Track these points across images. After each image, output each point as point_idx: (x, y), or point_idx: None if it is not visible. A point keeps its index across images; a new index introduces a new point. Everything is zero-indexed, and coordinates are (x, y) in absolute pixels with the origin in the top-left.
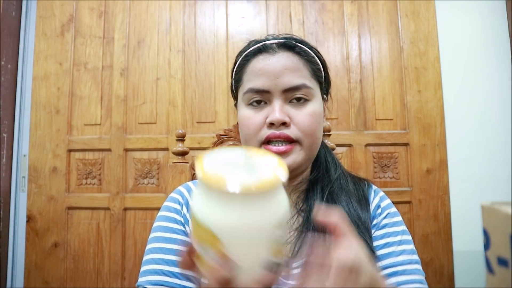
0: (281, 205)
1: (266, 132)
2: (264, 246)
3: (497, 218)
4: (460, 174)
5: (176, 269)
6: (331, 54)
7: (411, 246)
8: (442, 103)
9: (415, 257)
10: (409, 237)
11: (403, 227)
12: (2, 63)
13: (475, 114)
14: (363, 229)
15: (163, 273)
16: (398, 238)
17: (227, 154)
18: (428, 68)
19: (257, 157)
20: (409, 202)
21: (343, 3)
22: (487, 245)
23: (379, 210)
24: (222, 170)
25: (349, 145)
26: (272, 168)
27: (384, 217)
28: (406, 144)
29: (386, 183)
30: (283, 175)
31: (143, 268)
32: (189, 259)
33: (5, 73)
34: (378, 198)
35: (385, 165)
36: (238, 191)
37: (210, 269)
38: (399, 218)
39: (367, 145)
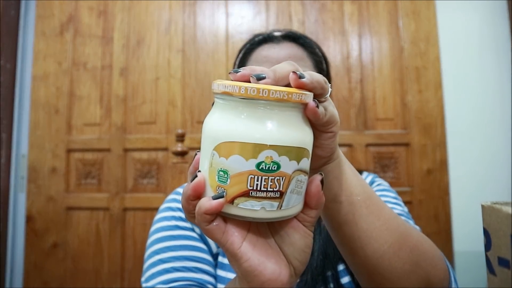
0: (231, 125)
1: None
2: (204, 162)
3: (498, 218)
4: (460, 174)
5: (190, 263)
6: (332, 54)
7: (405, 209)
8: (442, 103)
9: (409, 216)
10: (404, 206)
11: (395, 195)
12: (1, 62)
13: (476, 114)
14: None
15: (175, 269)
16: (388, 199)
17: None
18: (428, 67)
19: None
20: (409, 203)
21: (343, 2)
22: (487, 246)
23: (372, 184)
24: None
25: (350, 145)
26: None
27: (376, 186)
28: (406, 144)
29: None
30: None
31: (149, 272)
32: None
33: (4, 72)
34: (370, 177)
35: (386, 165)
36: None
37: None
38: (392, 190)
39: (368, 145)
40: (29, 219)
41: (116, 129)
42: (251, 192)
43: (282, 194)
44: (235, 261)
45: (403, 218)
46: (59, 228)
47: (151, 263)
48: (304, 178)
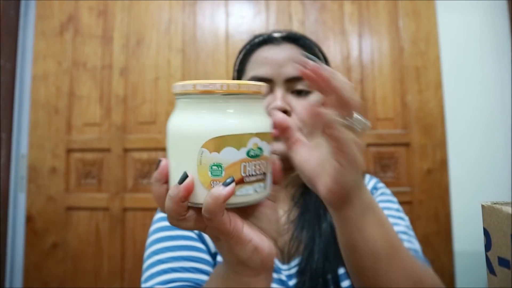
0: (218, 121)
1: None
2: (189, 161)
3: (498, 218)
4: (460, 174)
5: (188, 264)
6: (332, 54)
7: (407, 223)
8: (442, 103)
9: (411, 232)
10: (405, 216)
11: (398, 206)
12: (1, 62)
13: (476, 114)
14: None
15: (173, 270)
16: (392, 212)
17: None
18: (428, 67)
19: None
20: (409, 203)
21: (343, 2)
22: (488, 246)
23: (374, 191)
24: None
25: None
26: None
27: (378, 195)
28: (406, 144)
29: (387, 183)
30: (220, 85)
31: (148, 273)
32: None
33: (4, 72)
34: (373, 181)
35: (386, 165)
36: (178, 92)
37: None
38: (394, 199)
39: (368, 145)
40: (29, 219)
41: (116, 129)
42: (245, 178)
43: (265, 175)
44: (240, 245)
45: (405, 237)
46: (59, 228)
47: (150, 264)
48: (271, 158)
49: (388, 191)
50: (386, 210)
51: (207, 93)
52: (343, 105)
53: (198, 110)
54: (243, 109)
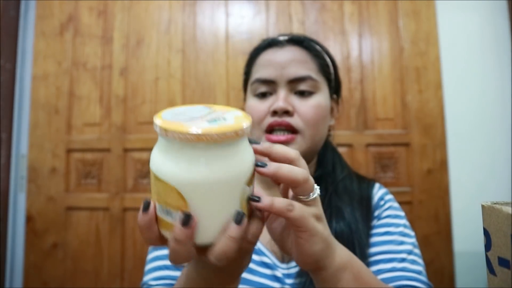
0: (247, 157)
1: (269, 120)
2: (233, 202)
3: (498, 218)
4: (460, 174)
5: None
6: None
7: (413, 240)
8: (442, 103)
9: (416, 250)
10: (411, 232)
11: (405, 222)
12: (1, 62)
13: (476, 114)
14: (360, 234)
15: (166, 267)
16: (400, 229)
17: (188, 108)
18: (428, 67)
19: (220, 110)
20: (409, 203)
21: (343, 2)
22: (488, 246)
23: (382, 202)
24: (182, 119)
25: (350, 145)
26: (235, 118)
27: (386, 209)
28: (406, 144)
29: (387, 183)
30: (247, 125)
31: (147, 267)
32: (152, 225)
33: (4, 72)
34: (382, 191)
35: (386, 165)
36: (200, 139)
37: (174, 231)
38: (402, 214)
39: (368, 145)
40: (29, 219)
41: (116, 129)
42: None
43: None
44: (249, 256)
45: (410, 257)
46: (59, 228)
47: (150, 259)
48: None
49: (396, 204)
50: (392, 227)
51: (237, 136)
52: (299, 187)
53: (230, 151)
54: (248, 144)
